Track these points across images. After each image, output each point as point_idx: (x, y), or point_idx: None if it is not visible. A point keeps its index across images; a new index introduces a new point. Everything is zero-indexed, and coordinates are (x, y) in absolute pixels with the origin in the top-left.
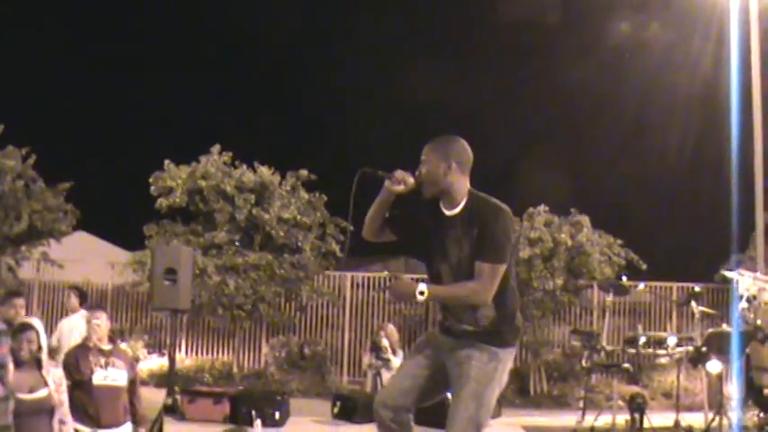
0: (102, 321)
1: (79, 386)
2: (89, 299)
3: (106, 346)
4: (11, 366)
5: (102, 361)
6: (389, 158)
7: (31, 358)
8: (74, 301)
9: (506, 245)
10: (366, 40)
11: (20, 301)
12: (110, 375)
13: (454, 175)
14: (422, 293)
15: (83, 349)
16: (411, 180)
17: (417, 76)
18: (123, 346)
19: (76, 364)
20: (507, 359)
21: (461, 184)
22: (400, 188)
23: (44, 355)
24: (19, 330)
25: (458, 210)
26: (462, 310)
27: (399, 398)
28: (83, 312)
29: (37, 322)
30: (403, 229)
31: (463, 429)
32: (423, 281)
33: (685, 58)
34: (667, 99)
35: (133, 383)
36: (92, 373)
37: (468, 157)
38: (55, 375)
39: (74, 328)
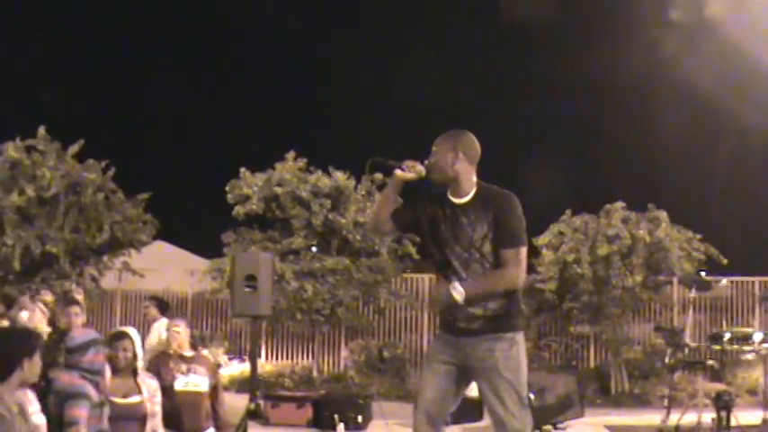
0: (182, 329)
1: (161, 393)
2: (170, 308)
3: (188, 353)
4: (107, 373)
5: (184, 367)
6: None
7: (127, 366)
8: (153, 311)
9: (522, 228)
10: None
11: (75, 309)
12: (191, 381)
13: (461, 164)
14: (460, 294)
15: (163, 356)
16: (420, 168)
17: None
18: (204, 353)
19: (157, 370)
20: (522, 340)
21: (468, 175)
22: (410, 176)
23: (140, 364)
24: (115, 338)
25: (468, 198)
26: (469, 303)
27: (435, 413)
28: (164, 321)
29: (132, 331)
30: (408, 222)
31: (520, 420)
32: (456, 281)
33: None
34: (741, 86)
35: (215, 389)
36: (173, 379)
37: (476, 150)
38: (150, 386)
39: (154, 338)
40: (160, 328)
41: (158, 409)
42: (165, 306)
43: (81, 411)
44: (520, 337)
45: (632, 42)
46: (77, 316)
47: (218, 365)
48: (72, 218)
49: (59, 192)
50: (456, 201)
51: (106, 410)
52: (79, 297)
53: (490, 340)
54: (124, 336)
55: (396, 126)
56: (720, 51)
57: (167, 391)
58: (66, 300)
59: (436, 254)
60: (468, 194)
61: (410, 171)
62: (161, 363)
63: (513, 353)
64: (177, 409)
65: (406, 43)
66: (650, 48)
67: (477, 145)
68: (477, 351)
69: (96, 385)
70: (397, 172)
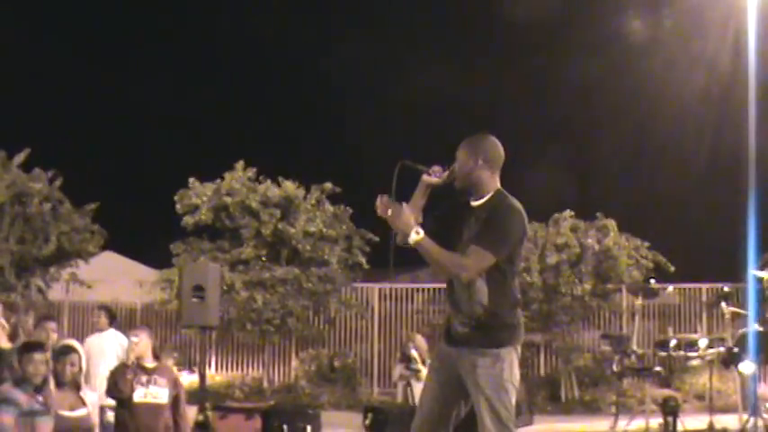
0: (143, 339)
1: (120, 404)
2: (118, 318)
3: (149, 364)
4: (52, 386)
5: (144, 379)
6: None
7: (72, 380)
8: (103, 320)
9: (507, 240)
10: (377, 45)
11: (52, 325)
12: (151, 393)
13: (482, 170)
14: (417, 233)
15: (122, 368)
16: (446, 174)
17: (437, 77)
18: (169, 363)
19: (115, 382)
20: (510, 357)
21: (489, 180)
22: (436, 180)
23: (81, 377)
24: (62, 353)
25: (482, 201)
26: (465, 303)
27: (436, 427)
28: (112, 332)
29: (78, 345)
30: (436, 228)
31: None
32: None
33: (701, 53)
34: (685, 96)
35: (177, 401)
36: (132, 390)
37: (498, 155)
38: (91, 398)
39: (105, 347)
40: (110, 341)
41: (97, 420)
42: (114, 316)
43: (3, 417)
44: (507, 353)
45: (584, 44)
46: (54, 332)
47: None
48: (18, 228)
49: (4, 202)
50: (473, 203)
51: (43, 421)
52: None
53: (475, 354)
54: (72, 350)
55: (350, 133)
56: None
57: (126, 402)
58: (43, 316)
59: None
60: (484, 198)
61: (436, 175)
62: (119, 374)
63: (497, 370)
64: (135, 421)
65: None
66: (598, 53)
67: (501, 150)
68: (465, 364)
69: (29, 394)
70: (424, 177)
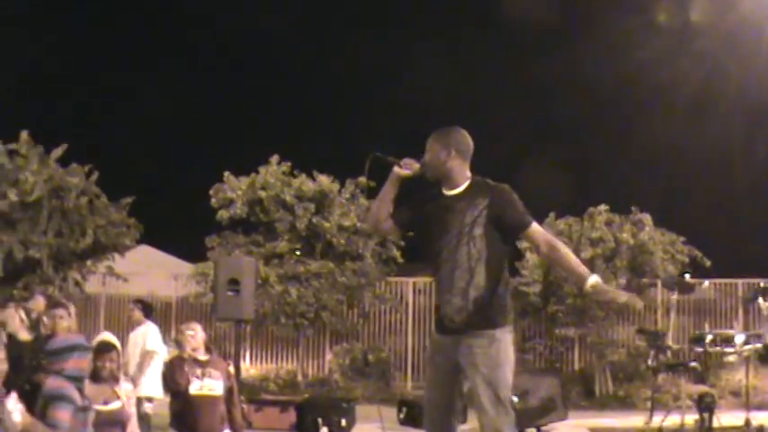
0: (197, 332)
1: (176, 397)
2: (154, 311)
3: (203, 357)
4: (86, 380)
5: (199, 371)
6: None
7: (110, 375)
8: (137, 314)
9: (525, 209)
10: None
11: (60, 312)
12: (206, 385)
13: (454, 161)
14: (595, 278)
15: (178, 360)
16: (417, 166)
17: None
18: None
19: (171, 375)
20: (506, 338)
21: (461, 170)
22: (407, 172)
23: (120, 372)
24: (102, 350)
25: (461, 189)
26: (458, 286)
27: (445, 415)
28: (149, 324)
29: (116, 340)
30: (408, 218)
31: (496, 419)
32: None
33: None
34: (724, 90)
35: (230, 392)
36: (188, 383)
37: (468, 145)
38: (125, 389)
39: (139, 340)
40: (146, 334)
41: (134, 411)
42: (149, 309)
43: (62, 414)
44: (502, 333)
45: (622, 45)
46: (62, 319)
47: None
48: (55, 222)
49: (42, 196)
50: (449, 193)
51: (91, 415)
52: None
53: (471, 337)
54: (111, 348)
55: (386, 128)
56: (710, 57)
57: (182, 395)
58: (53, 303)
59: (427, 244)
60: (461, 186)
61: (407, 167)
62: (175, 367)
63: (493, 350)
64: (192, 414)
65: (397, 46)
66: (637, 51)
67: (470, 140)
68: (461, 348)
69: (80, 390)
70: (396, 169)
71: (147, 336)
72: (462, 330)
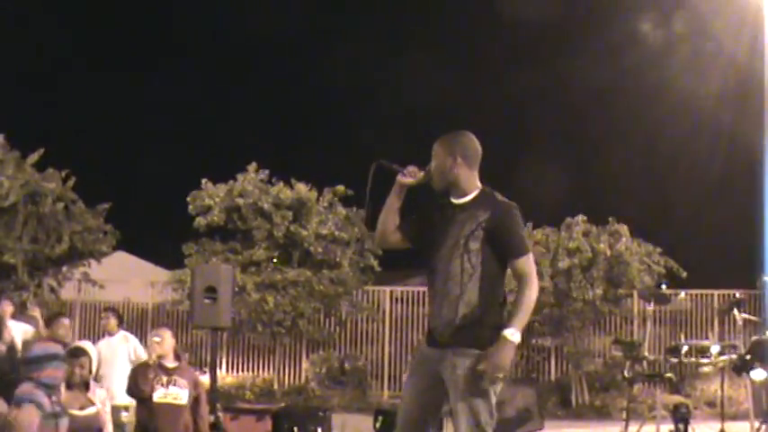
0: (165, 339)
1: (140, 403)
2: (130, 319)
3: (170, 364)
4: (62, 389)
5: (165, 379)
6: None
7: (82, 381)
8: (113, 322)
9: (524, 236)
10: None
11: (67, 321)
12: (171, 393)
13: (460, 168)
14: (513, 335)
15: (143, 367)
16: (421, 174)
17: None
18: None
19: (135, 381)
20: None
21: (469, 177)
22: (411, 181)
23: (91, 379)
24: (73, 355)
25: (468, 199)
26: (449, 302)
27: (419, 428)
28: (122, 333)
29: (90, 347)
30: (416, 230)
31: None
32: (503, 329)
33: (716, 57)
34: (700, 101)
35: (197, 402)
36: (152, 390)
37: (475, 151)
38: (100, 396)
39: (116, 350)
40: (132, 343)
41: (109, 417)
42: (121, 318)
43: (29, 418)
44: None
45: (599, 57)
46: (69, 328)
47: None
48: (31, 228)
49: (18, 201)
50: (456, 201)
51: (63, 423)
52: (35, 313)
53: (457, 356)
54: (82, 353)
55: (365, 137)
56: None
57: (146, 402)
58: (57, 313)
59: (427, 259)
60: (468, 195)
61: (410, 176)
62: (139, 373)
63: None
64: (155, 421)
65: (378, 55)
66: (614, 62)
67: (477, 146)
68: (446, 365)
69: (50, 397)
70: (399, 177)
71: (137, 345)
72: (449, 345)
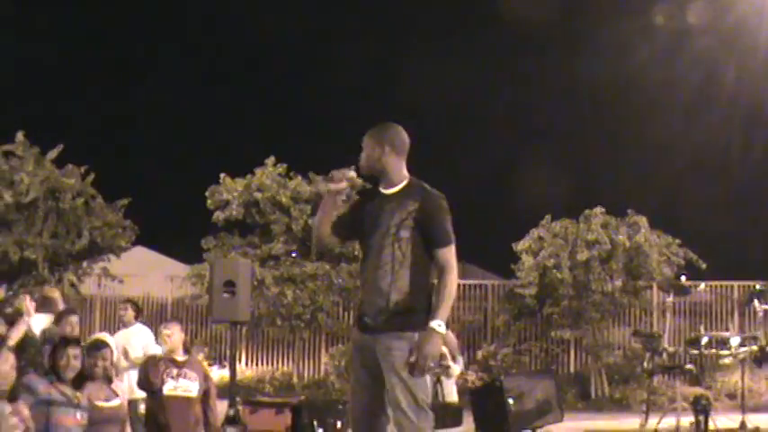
0: (175, 333)
1: (151, 396)
2: (150, 313)
3: (180, 357)
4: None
5: (174, 372)
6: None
7: (104, 373)
8: (130, 314)
9: (451, 227)
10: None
11: (74, 318)
12: (181, 386)
13: (389, 157)
14: (440, 326)
15: (153, 360)
16: (351, 174)
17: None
18: (200, 357)
19: (146, 374)
20: None
21: (397, 167)
22: (341, 186)
23: (113, 371)
24: (95, 347)
25: (397, 188)
26: (379, 289)
27: (374, 417)
28: (138, 326)
29: (110, 339)
30: (349, 228)
31: (415, 423)
32: (431, 320)
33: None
34: (719, 93)
35: (207, 395)
36: (162, 383)
37: (403, 142)
38: (122, 388)
39: (132, 341)
40: (145, 337)
41: (128, 412)
42: (140, 311)
43: (17, 405)
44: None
45: (618, 46)
46: (77, 325)
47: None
48: (51, 223)
49: (38, 197)
50: (385, 191)
51: (64, 413)
52: (55, 295)
53: (391, 338)
54: (104, 345)
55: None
56: (707, 58)
57: (156, 395)
58: (66, 310)
59: (361, 247)
60: (397, 185)
61: (338, 181)
62: (150, 366)
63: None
64: (165, 414)
65: (394, 47)
66: (633, 52)
67: (405, 136)
68: (380, 349)
69: (52, 384)
70: (323, 185)
71: (150, 340)
72: (383, 330)
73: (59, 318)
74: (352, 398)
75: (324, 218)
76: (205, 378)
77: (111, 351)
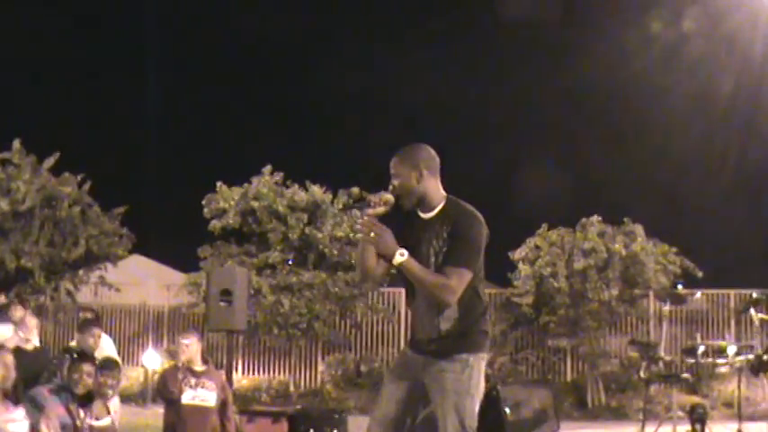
0: (193, 342)
1: (169, 405)
2: (147, 322)
3: (199, 367)
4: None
5: (193, 381)
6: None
7: (112, 393)
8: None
9: (477, 252)
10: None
11: (98, 331)
12: (199, 396)
13: (426, 181)
14: (402, 255)
15: (172, 369)
16: (388, 196)
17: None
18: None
19: (165, 384)
20: (478, 365)
21: (435, 188)
22: (380, 210)
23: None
24: (107, 367)
25: (435, 212)
26: (428, 319)
27: (392, 428)
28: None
29: (119, 360)
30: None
31: None
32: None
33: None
34: (714, 99)
35: (224, 405)
36: (180, 392)
37: (436, 161)
38: (114, 404)
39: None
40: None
41: (117, 426)
42: (98, 319)
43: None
44: (476, 360)
45: (614, 55)
46: (99, 337)
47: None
48: (47, 232)
49: (34, 205)
50: (423, 216)
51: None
52: (19, 314)
53: (445, 360)
54: (115, 365)
55: (379, 139)
56: (703, 66)
57: (174, 404)
58: (89, 321)
59: (399, 272)
60: (435, 208)
61: (378, 206)
62: (169, 375)
63: (465, 376)
64: (183, 423)
65: (390, 55)
66: (629, 60)
67: (435, 154)
68: (430, 369)
69: (65, 405)
70: (369, 212)
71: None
72: (434, 354)
73: (83, 327)
74: (379, 406)
75: (366, 249)
76: (222, 388)
77: (120, 371)
